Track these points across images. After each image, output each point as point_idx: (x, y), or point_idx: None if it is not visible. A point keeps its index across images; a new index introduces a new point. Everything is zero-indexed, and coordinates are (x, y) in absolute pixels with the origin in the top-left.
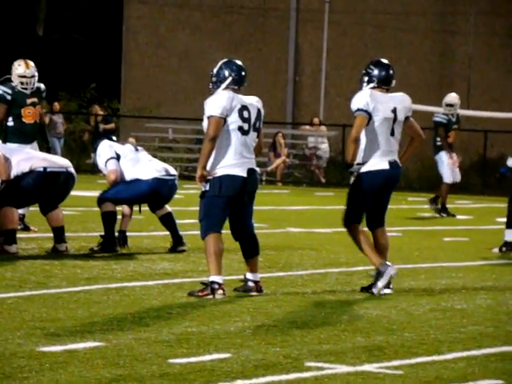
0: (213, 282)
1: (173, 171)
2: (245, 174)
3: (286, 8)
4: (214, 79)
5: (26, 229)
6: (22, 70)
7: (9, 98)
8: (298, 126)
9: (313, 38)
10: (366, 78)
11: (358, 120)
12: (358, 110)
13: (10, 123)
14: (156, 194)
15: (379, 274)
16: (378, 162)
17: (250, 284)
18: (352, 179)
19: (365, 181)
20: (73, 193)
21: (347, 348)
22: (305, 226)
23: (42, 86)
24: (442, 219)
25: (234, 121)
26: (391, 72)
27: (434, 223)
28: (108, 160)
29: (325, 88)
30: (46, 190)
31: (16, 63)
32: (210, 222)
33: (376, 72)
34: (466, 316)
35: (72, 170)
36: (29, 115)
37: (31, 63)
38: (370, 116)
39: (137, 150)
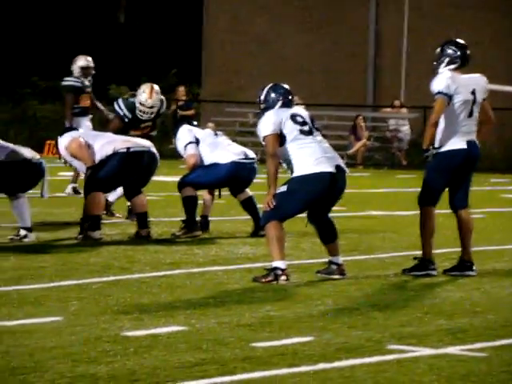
0: (276, 268)
1: (252, 154)
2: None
3: None
4: (262, 106)
5: (111, 215)
6: (144, 98)
7: (126, 120)
8: (378, 108)
9: (393, 19)
10: (446, 59)
11: (439, 103)
12: (439, 92)
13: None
14: (235, 177)
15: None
16: (457, 142)
17: (333, 267)
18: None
19: (443, 160)
20: (154, 178)
21: (430, 331)
22: (386, 208)
23: (164, 105)
24: None
25: (291, 130)
26: (469, 52)
27: None
28: (187, 144)
29: (405, 70)
30: (131, 170)
31: (142, 88)
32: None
33: (456, 52)
34: None
35: (154, 150)
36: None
37: (156, 90)
38: (450, 98)
39: (216, 134)
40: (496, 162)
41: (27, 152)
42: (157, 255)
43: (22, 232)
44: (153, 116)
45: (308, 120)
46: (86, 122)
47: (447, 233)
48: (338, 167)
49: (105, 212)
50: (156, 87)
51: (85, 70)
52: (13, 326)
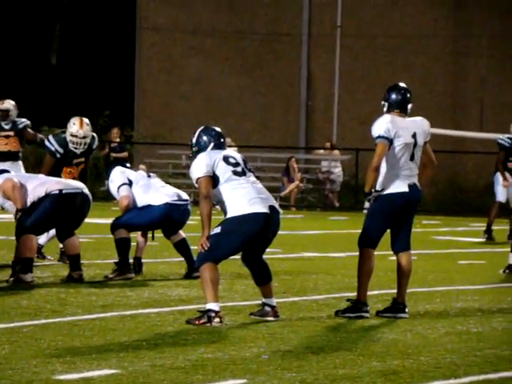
0: (209, 310)
1: (185, 196)
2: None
3: (297, 33)
4: (194, 149)
5: (43, 258)
6: (75, 129)
7: (58, 156)
8: (311, 150)
9: (325, 62)
10: (386, 104)
11: (380, 148)
12: (379, 137)
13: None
14: (169, 219)
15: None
16: (398, 186)
17: (267, 309)
18: (367, 204)
19: (384, 203)
20: (87, 220)
21: (363, 372)
22: (319, 250)
23: (95, 141)
24: (457, 242)
25: (224, 171)
26: (408, 96)
27: (449, 246)
28: (120, 186)
29: (337, 112)
30: (64, 212)
31: (71, 121)
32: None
33: (393, 97)
34: (482, 339)
35: (87, 191)
36: (69, 173)
37: (86, 121)
38: (390, 142)
39: (149, 176)
40: (427, 203)
41: None
42: (89, 298)
43: None
44: (86, 148)
45: (241, 161)
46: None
47: (380, 274)
48: (271, 208)
49: (36, 255)
50: (85, 119)
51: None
52: None
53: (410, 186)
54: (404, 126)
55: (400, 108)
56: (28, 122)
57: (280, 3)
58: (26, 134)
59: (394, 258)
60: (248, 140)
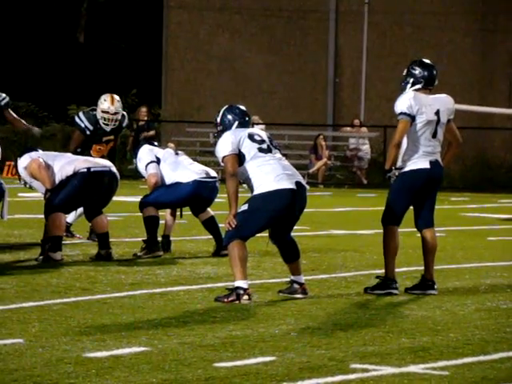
0: (238, 288)
1: (213, 173)
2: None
3: (325, 10)
4: (219, 128)
5: (72, 236)
6: (106, 105)
7: (88, 133)
8: (338, 127)
9: (352, 39)
10: (411, 80)
11: (402, 124)
12: (402, 113)
13: (78, 149)
14: (197, 196)
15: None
16: (420, 162)
17: (295, 286)
18: (391, 181)
19: (406, 180)
20: (115, 198)
21: (392, 349)
22: (347, 227)
23: (125, 119)
24: (485, 219)
25: (249, 148)
26: (435, 72)
27: (478, 223)
28: (148, 164)
29: (365, 89)
30: (92, 190)
31: (102, 97)
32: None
33: (421, 73)
34: (511, 315)
35: (115, 169)
36: (98, 151)
37: (117, 98)
38: (413, 119)
39: (177, 153)
40: (455, 180)
41: None
42: (118, 276)
43: None
44: (116, 125)
45: (266, 138)
46: None
47: (409, 251)
48: (298, 184)
49: (65, 233)
50: (116, 96)
51: None
52: None
53: (431, 163)
54: (427, 102)
55: (426, 84)
56: (7, 100)
57: None
58: (5, 113)
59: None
60: (275, 118)
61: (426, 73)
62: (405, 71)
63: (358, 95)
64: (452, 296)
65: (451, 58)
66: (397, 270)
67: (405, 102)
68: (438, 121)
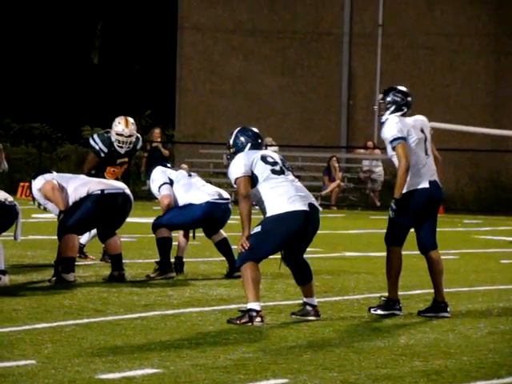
0: (251, 310)
1: (226, 195)
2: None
3: (339, 32)
4: (232, 150)
5: (85, 257)
6: (121, 128)
7: (102, 155)
8: (352, 149)
9: (366, 61)
10: (393, 107)
11: (401, 148)
12: (396, 138)
13: (92, 171)
14: (210, 217)
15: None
16: (418, 182)
17: (308, 308)
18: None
19: (406, 201)
20: (129, 219)
21: (405, 372)
22: (360, 249)
23: (140, 141)
24: (498, 241)
25: (263, 170)
26: (410, 99)
27: (491, 245)
28: (161, 185)
29: (378, 112)
30: (105, 212)
31: (117, 120)
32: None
33: (403, 100)
34: None
35: (128, 191)
36: (112, 173)
37: (131, 121)
38: (405, 141)
39: (190, 175)
40: (468, 203)
41: (0, 194)
42: (131, 297)
43: None
44: (131, 148)
45: (279, 160)
46: None
47: (421, 273)
48: (311, 206)
49: (78, 254)
50: (130, 118)
51: None
52: None
53: (430, 183)
54: (410, 124)
55: (407, 109)
56: None
57: (321, 2)
58: None
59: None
60: (289, 139)
61: (408, 99)
62: (380, 99)
63: (371, 117)
64: (465, 319)
65: (465, 79)
66: (411, 292)
67: (393, 127)
68: (426, 138)
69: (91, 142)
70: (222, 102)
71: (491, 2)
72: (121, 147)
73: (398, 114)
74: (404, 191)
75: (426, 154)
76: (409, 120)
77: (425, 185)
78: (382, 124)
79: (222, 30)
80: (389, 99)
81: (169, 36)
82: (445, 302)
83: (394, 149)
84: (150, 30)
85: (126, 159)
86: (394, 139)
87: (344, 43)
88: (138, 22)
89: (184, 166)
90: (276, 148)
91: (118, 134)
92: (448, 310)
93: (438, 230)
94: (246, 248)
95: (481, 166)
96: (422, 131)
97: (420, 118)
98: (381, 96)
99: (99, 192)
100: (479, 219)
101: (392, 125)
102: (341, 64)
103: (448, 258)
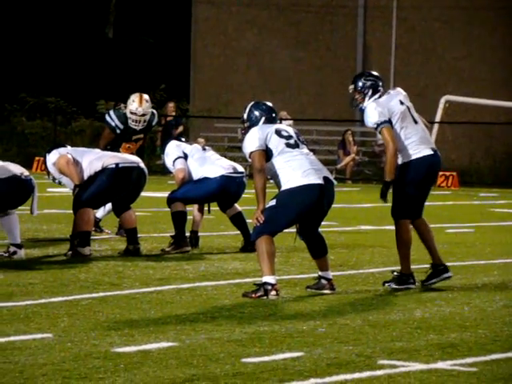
0: (266, 283)
1: (241, 169)
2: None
3: (353, 5)
4: (246, 124)
5: (100, 231)
6: (135, 106)
7: (118, 131)
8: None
9: (381, 34)
10: (369, 91)
11: (387, 131)
12: (380, 123)
13: (107, 147)
14: (224, 191)
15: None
16: (418, 151)
17: (323, 282)
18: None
19: (409, 171)
20: (143, 194)
21: (420, 345)
22: (375, 223)
23: (155, 117)
24: None
25: (277, 144)
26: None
27: (507, 219)
28: (176, 159)
29: (393, 84)
30: (120, 185)
31: (131, 97)
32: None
33: (377, 82)
34: None
35: (143, 165)
36: (127, 149)
37: (146, 98)
38: (390, 122)
39: (204, 149)
40: (484, 176)
41: (16, 168)
42: (146, 271)
43: (12, 248)
44: (145, 125)
45: (293, 134)
46: None
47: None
48: (326, 179)
49: (94, 228)
50: (145, 96)
51: None
52: (3, 342)
53: (433, 150)
54: (388, 101)
55: (382, 92)
56: None
57: None
58: None
59: (452, 230)
60: (304, 113)
61: (379, 82)
62: (351, 88)
63: (386, 91)
64: (480, 292)
65: (480, 53)
66: (425, 266)
67: (373, 112)
68: (408, 108)
69: (107, 118)
70: (236, 76)
71: None
72: (135, 125)
73: (377, 96)
74: (405, 161)
75: (415, 122)
76: (384, 98)
77: (425, 153)
78: (362, 112)
79: (236, 3)
80: (360, 85)
81: (183, 10)
82: (442, 263)
83: (380, 134)
84: (165, 5)
85: (142, 135)
86: (378, 125)
87: (359, 16)
88: None
89: (200, 139)
90: (291, 122)
91: (131, 113)
92: (449, 270)
93: (453, 203)
94: (261, 222)
95: (496, 139)
96: (402, 103)
97: (394, 92)
98: (351, 86)
99: (114, 166)
100: (495, 192)
101: (371, 111)
102: (355, 37)
103: (464, 231)
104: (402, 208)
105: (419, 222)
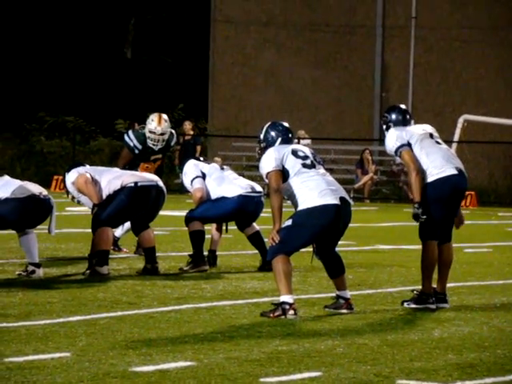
0: (283, 303)
1: (258, 188)
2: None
3: (372, 25)
4: (262, 144)
5: (119, 250)
6: (154, 126)
7: (136, 151)
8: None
9: (399, 53)
10: (391, 124)
11: (407, 155)
12: (398, 147)
13: (126, 167)
14: (242, 210)
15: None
16: (442, 171)
17: (341, 301)
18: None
19: (433, 190)
20: (162, 212)
21: (439, 365)
22: (393, 242)
23: (174, 137)
24: None
25: (293, 164)
26: (408, 116)
27: None
28: (194, 179)
29: (412, 104)
30: (139, 204)
31: (150, 117)
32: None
33: (399, 117)
34: None
35: (161, 184)
36: (145, 169)
37: (164, 118)
38: (409, 145)
39: (222, 168)
40: (503, 195)
41: (35, 188)
42: (164, 290)
43: (30, 268)
44: (164, 145)
45: (309, 154)
46: None
47: (455, 266)
48: (342, 199)
49: (112, 247)
50: (164, 116)
51: None
52: (21, 362)
53: (458, 170)
54: (410, 128)
55: (403, 126)
56: None
57: None
58: None
59: (471, 250)
60: (322, 132)
61: (401, 116)
62: (383, 118)
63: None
64: (499, 312)
65: (498, 72)
66: (449, 285)
67: (392, 138)
68: (430, 134)
69: (126, 138)
70: (254, 95)
71: None
72: (154, 145)
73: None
74: (429, 181)
75: (438, 143)
76: (408, 127)
77: (450, 172)
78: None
79: (254, 22)
80: (386, 118)
81: (201, 29)
82: (445, 293)
83: (401, 158)
84: (183, 24)
85: (160, 155)
86: (397, 149)
87: (377, 35)
88: (170, 16)
89: (217, 159)
90: (309, 141)
91: (150, 132)
92: (447, 300)
93: (471, 222)
94: (277, 241)
95: None
96: (423, 130)
97: (420, 125)
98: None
99: (133, 184)
100: None
101: (390, 137)
102: (374, 56)
103: (482, 251)
104: (427, 229)
105: (446, 246)
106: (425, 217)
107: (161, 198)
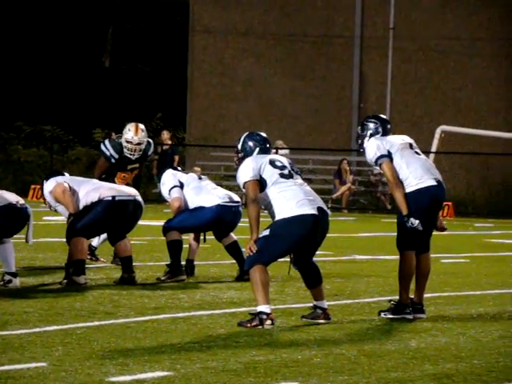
0: (261, 313)
1: (236, 198)
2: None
3: (350, 35)
4: (240, 155)
5: (96, 259)
6: (130, 135)
7: (113, 161)
8: (363, 152)
9: (377, 64)
10: (369, 132)
11: (386, 166)
12: (378, 158)
13: (103, 176)
14: (220, 220)
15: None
16: (421, 182)
17: (318, 311)
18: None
19: (411, 201)
20: (139, 222)
21: (416, 376)
22: (371, 252)
23: (151, 147)
24: (509, 245)
25: (271, 174)
26: (389, 126)
27: (502, 249)
28: (172, 188)
29: (390, 114)
30: (115, 218)
31: (127, 126)
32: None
33: (377, 125)
34: None
35: (140, 198)
36: (123, 178)
37: (141, 127)
38: (389, 155)
39: (200, 178)
40: (480, 206)
41: (12, 197)
42: (142, 300)
43: (7, 277)
44: (141, 154)
45: (287, 164)
46: None
47: (432, 277)
48: (320, 209)
49: (89, 257)
50: (141, 125)
51: None
52: None
53: (436, 181)
54: (390, 138)
55: (382, 135)
56: None
57: (332, 5)
58: None
59: (448, 260)
60: (300, 142)
61: (381, 125)
62: (359, 128)
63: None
64: (476, 322)
65: (477, 83)
66: (427, 295)
67: (372, 148)
68: (411, 145)
69: (102, 147)
70: (232, 104)
71: (503, 6)
72: (131, 154)
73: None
74: (407, 191)
75: (417, 153)
76: (387, 137)
77: (428, 183)
78: (363, 152)
79: (233, 32)
80: (363, 127)
81: (180, 39)
82: (422, 303)
83: (380, 169)
84: (162, 33)
85: (137, 165)
86: (377, 159)
87: (355, 46)
88: (149, 25)
89: (197, 168)
90: (287, 151)
91: (127, 142)
92: (424, 310)
93: (449, 233)
94: (254, 251)
95: (492, 170)
96: (403, 140)
97: (398, 136)
98: (359, 127)
99: (110, 198)
100: (490, 223)
101: (370, 147)
102: (352, 67)
103: (459, 261)
104: (405, 239)
105: (424, 257)
106: (418, 221)
107: (138, 212)
